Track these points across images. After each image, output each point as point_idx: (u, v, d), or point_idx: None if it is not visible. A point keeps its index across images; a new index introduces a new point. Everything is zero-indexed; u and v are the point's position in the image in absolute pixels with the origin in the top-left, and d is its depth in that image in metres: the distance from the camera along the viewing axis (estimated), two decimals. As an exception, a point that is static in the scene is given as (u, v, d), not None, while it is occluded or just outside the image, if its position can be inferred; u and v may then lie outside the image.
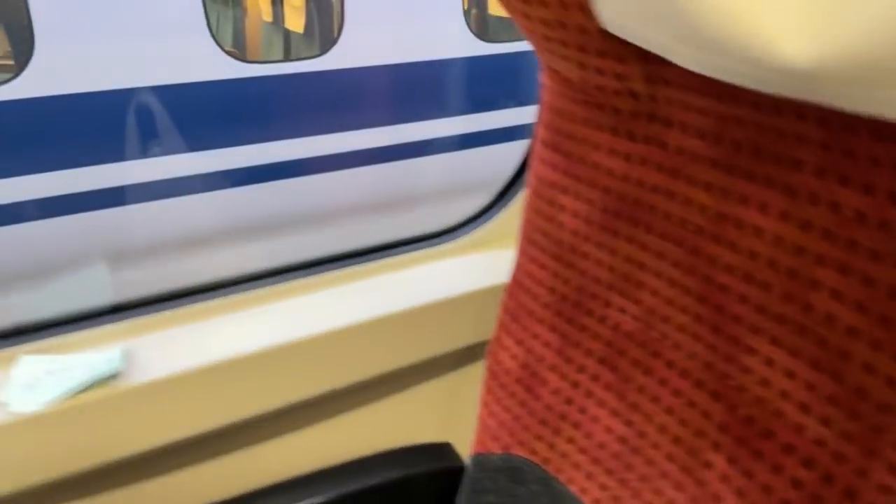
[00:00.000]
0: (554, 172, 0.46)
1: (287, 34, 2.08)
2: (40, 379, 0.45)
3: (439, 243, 0.64)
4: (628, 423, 0.43)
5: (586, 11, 0.35)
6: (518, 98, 2.15)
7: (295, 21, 2.02)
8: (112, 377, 0.46)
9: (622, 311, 0.44)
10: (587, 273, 0.45)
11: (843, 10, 0.22)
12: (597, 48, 0.37)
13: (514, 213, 0.66)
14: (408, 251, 0.62)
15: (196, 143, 1.66)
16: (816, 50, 0.23)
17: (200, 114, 1.67)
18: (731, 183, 0.35)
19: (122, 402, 0.46)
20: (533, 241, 0.49)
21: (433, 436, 0.63)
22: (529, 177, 0.49)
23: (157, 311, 0.53)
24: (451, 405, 0.65)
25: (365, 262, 0.61)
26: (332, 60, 1.78)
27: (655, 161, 0.39)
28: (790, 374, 0.34)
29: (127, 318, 0.53)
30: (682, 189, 0.37)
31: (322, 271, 0.59)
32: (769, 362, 0.35)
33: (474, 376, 0.63)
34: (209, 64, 1.62)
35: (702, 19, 0.27)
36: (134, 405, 0.47)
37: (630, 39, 0.33)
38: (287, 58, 2.07)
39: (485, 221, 0.65)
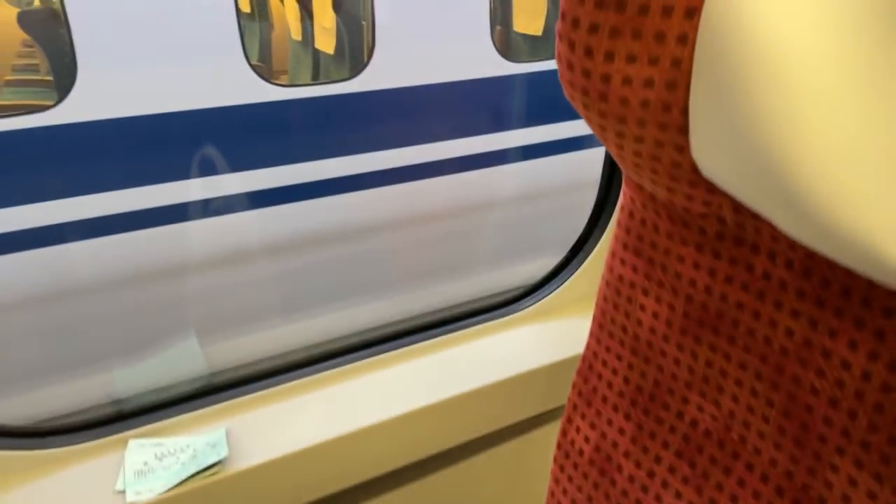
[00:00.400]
0: (634, 274, 0.48)
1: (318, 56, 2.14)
2: (151, 465, 0.49)
3: (507, 314, 0.67)
4: (706, 518, 0.46)
5: (683, 151, 0.37)
6: (542, 116, 2.18)
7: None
8: (220, 461, 0.49)
9: (700, 409, 0.46)
10: (665, 369, 0.48)
11: None
12: (688, 180, 0.39)
13: (575, 285, 0.68)
14: (477, 322, 0.65)
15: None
16: None
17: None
18: (820, 315, 0.37)
19: (227, 486, 0.49)
20: (608, 331, 0.52)
21: (502, 501, 0.66)
22: (607, 270, 0.52)
23: (252, 390, 0.57)
24: (519, 471, 0.68)
25: (439, 334, 0.63)
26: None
27: (741, 280, 0.41)
28: (872, 496, 0.36)
29: (224, 399, 0.56)
30: (769, 311, 0.40)
31: (400, 346, 0.62)
32: (852, 482, 0.37)
33: (540, 443, 0.66)
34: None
35: (807, 205, 0.29)
36: (238, 488, 0.50)
37: (725, 189, 0.35)
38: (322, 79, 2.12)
39: (547, 293, 0.68)
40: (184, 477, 0.48)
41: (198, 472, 0.49)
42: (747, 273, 0.40)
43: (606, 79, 0.37)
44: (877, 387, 0.34)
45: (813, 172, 0.29)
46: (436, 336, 0.64)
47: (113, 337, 1.54)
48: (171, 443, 0.52)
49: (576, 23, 0.36)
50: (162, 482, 0.48)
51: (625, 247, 0.49)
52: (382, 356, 0.62)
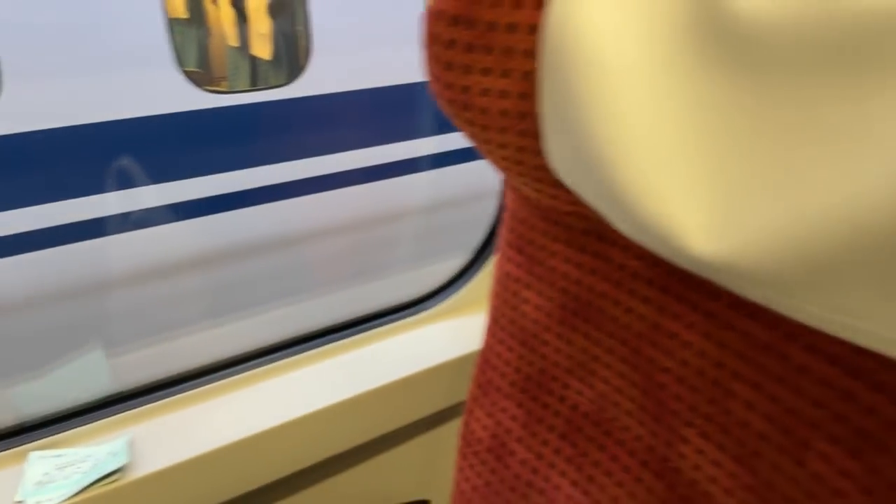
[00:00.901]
0: (518, 269, 0.52)
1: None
2: (51, 475, 0.49)
3: (413, 313, 0.69)
4: (585, 493, 0.49)
5: (542, 156, 0.40)
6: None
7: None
8: (119, 469, 0.50)
9: (579, 393, 0.49)
10: (548, 357, 0.51)
11: (747, 214, 0.28)
12: (551, 181, 0.42)
13: (478, 284, 0.71)
14: (385, 322, 0.67)
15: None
16: (722, 248, 0.28)
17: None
18: (666, 301, 0.41)
19: (128, 492, 0.50)
20: (500, 325, 0.55)
21: (413, 494, 0.68)
22: (496, 267, 0.55)
23: (156, 399, 0.57)
24: (429, 463, 0.70)
25: (345, 336, 0.65)
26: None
27: (602, 272, 0.45)
28: (717, 464, 0.40)
29: (127, 408, 0.57)
30: (625, 299, 0.43)
31: (306, 349, 0.64)
32: (700, 451, 0.41)
33: (449, 435, 0.68)
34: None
35: (623, 201, 0.32)
36: (139, 494, 0.51)
37: (572, 189, 0.39)
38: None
39: (453, 292, 0.70)
40: (84, 485, 0.48)
41: (98, 480, 0.49)
42: (607, 265, 0.44)
43: (466, 90, 0.39)
44: (711, 363, 0.38)
45: (625, 173, 0.32)
46: (345, 337, 0.66)
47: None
48: (72, 453, 0.52)
49: (435, 38, 0.39)
50: (62, 491, 0.48)
51: (508, 244, 0.52)
52: (291, 359, 0.64)
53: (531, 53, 0.37)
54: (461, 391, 0.59)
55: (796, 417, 0.34)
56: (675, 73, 0.32)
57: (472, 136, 0.43)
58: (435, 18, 0.39)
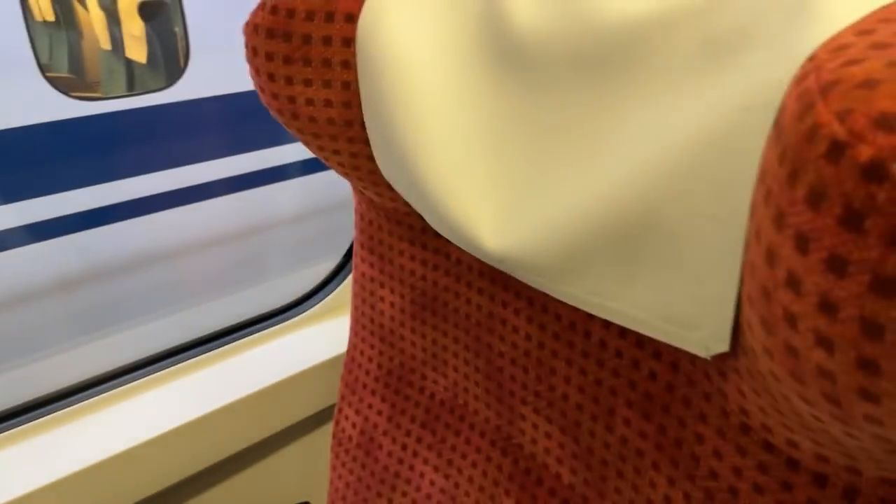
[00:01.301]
0: (371, 269, 0.53)
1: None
2: None
3: (284, 319, 0.70)
4: (447, 477, 0.52)
5: (374, 160, 0.42)
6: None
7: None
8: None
9: (435, 382, 0.52)
10: (406, 351, 0.53)
11: (524, 211, 0.31)
12: (386, 184, 0.44)
13: (348, 287, 0.72)
14: (256, 330, 0.67)
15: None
16: (506, 244, 0.31)
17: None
18: (495, 290, 0.43)
19: None
20: (361, 324, 0.56)
21: (295, 497, 0.68)
22: (353, 269, 0.56)
23: (10, 427, 0.54)
24: (309, 465, 0.71)
25: (217, 346, 0.64)
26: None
27: (443, 267, 0.47)
28: (548, 436, 0.43)
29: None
30: (464, 291, 0.46)
31: (178, 361, 0.62)
32: (535, 426, 0.44)
33: (327, 436, 0.69)
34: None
35: (430, 201, 0.35)
36: None
37: (396, 189, 0.41)
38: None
39: (324, 296, 0.71)
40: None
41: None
42: (446, 260, 0.46)
43: (292, 100, 0.40)
44: (535, 345, 0.41)
45: (430, 176, 0.34)
46: (217, 347, 0.65)
47: None
48: None
49: (255, 51, 0.40)
50: None
51: (362, 246, 0.53)
52: (162, 373, 0.62)
53: (348, 64, 0.38)
54: (335, 393, 0.60)
55: (602, 387, 0.37)
56: (468, 83, 0.34)
57: (307, 143, 0.44)
58: (252, 31, 0.39)
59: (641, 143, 0.25)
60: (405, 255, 0.49)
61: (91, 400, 0.58)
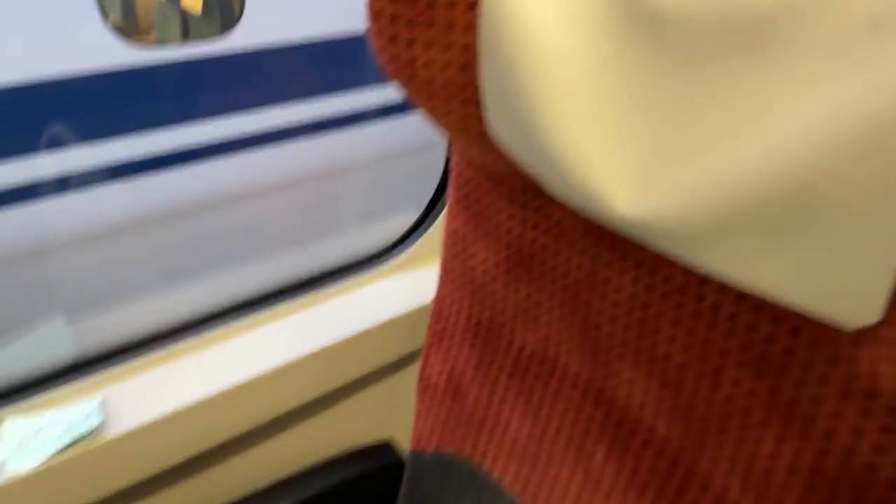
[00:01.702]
0: (465, 226, 0.55)
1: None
2: (28, 439, 0.50)
3: (370, 268, 0.72)
4: (534, 424, 0.54)
5: (484, 123, 0.43)
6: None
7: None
8: (93, 431, 0.52)
9: (525, 336, 0.54)
10: (496, 306, 0.55)
11: (661, 179, 0.32)
12: (493, 146, 0.45)
13: (430, 239, 0.74)
14: (347, 277, 0.70)
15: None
16: (640, 210, 0.32)
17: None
18: (599, 251, 0.44)
19: (103, 453, 0.52)
20: (451, 278, 0.58)
21: (377, 434, 0.72)
22: (445, 225, 0.58)
23: (125, 360, 0.59)
24: (390, 406, 0.74)
25: (307, 293, 0.68)
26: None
27: (543, 226, 0.48)
28: (645, 391, 0.44)
29: (100, 371, 0.58)
30: (564, 250, 0.47)
31: (270, 306, 0.66)
32: (631, 381, 0.45)
33: (408, 380, 0.72)
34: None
35: (554, 165, 0.35)
36: (114, 454, 0.53)
37: (510, 153, 0.42)
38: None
39: (407, 247, 0.73)
40: (58, 448, 0.50)
41: (73, 443, 0.51)
42: (547, 219, 0.47)
43: (411, 62, 0.41)
44: (640, 304, 0.42)
45: (557, 142, 0.35)
46: (307, 294, 0.68)
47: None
48: (46, 417, 0.53)
49: (378, 14, 0.40)
50: (37, 455, 0.50)
51: (456, 203, 0.55)
52: (256, 316, 0.66)
53: (471, 27, 0.39)
54: (417, 339, 0.63)
55: (710, 348, 0.38)
56: (602, 50, 0.34)
57: (419, 104, 0.45)
58: None
59: (801, 118, 0.26)
60: (503, 213, 0.50)
61: (198, 338, 0.62)
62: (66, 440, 0.50)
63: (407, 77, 0.42)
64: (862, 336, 0.28)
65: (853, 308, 0.26)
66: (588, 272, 0.45)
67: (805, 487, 0.34)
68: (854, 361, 0.29)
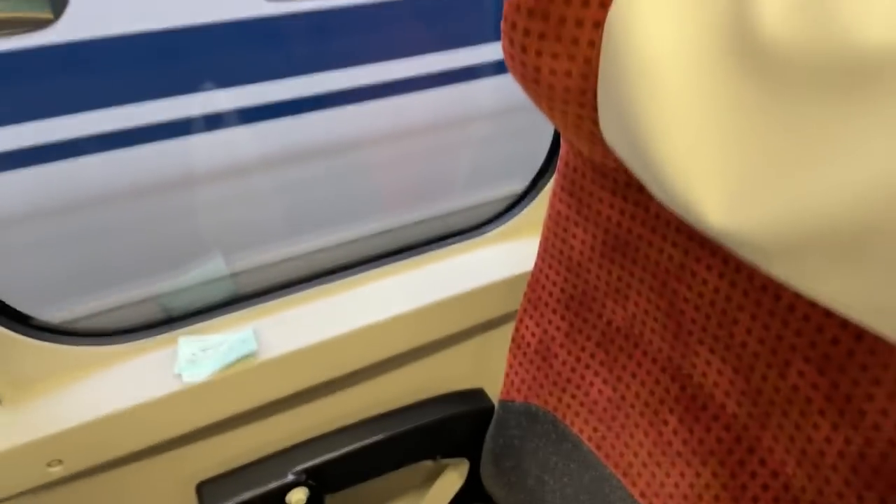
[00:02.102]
0: (568, 209, 0.61)
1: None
2: (198, 356, 0.63)
3: (476, 235, 0.80)
4: (615, 389, 0.61)
5: (596, 124, 0.48)
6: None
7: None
8: (249, 353, 0.64)
9: (613, 311, 0.60)
10: (590, 282, 0.61)
11: (752, 198, 0.37)
12: (602, 143, 0.50)
13: (531, 212, 0.81)
14: (452, 243, 0.78)
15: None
16: (730, 222, 0.37)
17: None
18: (691, 246, 0.50)
19: (256, 371, 0.64)
20: (549, 253, 0.65)
21: (470, 383, 0.81)
22: (549, 205, 0.64)
23: (272, 298, 0.71)
24: (483, 359, 0.83)
25: (421, 253, 0.77)
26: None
27: (640, 218, 0.53)
28: (720, 373, 0.50)
29: (251, 305, 0.70)
30: (658, 241, 0.52)
31: (389, 262, 0.75)
32: (708, 363, 0.51)
33: (501, 337, 0.80)
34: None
35: (656, 172, 0.41)
36: (264, 373, 0.65)
37: (617, 155, 0.47)
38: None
39: (509, 218, 0.80)
40: (224, 364, 0.62)
41: (235, 361, 0.63)
42: (644, 213, 0.53)
43: (537, 69, 0.47)
44: (723, 297, 0.48)
45: (661, 152, 0.40)
46: (418, 254, 0.77)
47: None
48: (211, 339, 0.65)
49: (514, 26, 0.46)
50: (207, 368, 0.62)
51: (562, 188, 0.61)
52: (374, 271, 0.76)
53: (593, 43, 0.44)
54: (513, 303, 0.70)
55: (782, 342, 0.44)
56: (710, 74, 0.39)
57: (538, 103, 0.51)
58: (514, 9, 0.46)
59: (882, 158, 0.30)
60: (604, 202, 0.56)
61: (330, 285, 0.73)
62: (229, 359, 0.62)
63: (532, 81, 0.48)
64: None
65: None
66: (678, 263, 0.51)
67: (850, 470, 0.39)
68: None
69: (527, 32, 0.46)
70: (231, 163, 1.76)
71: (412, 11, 1.92)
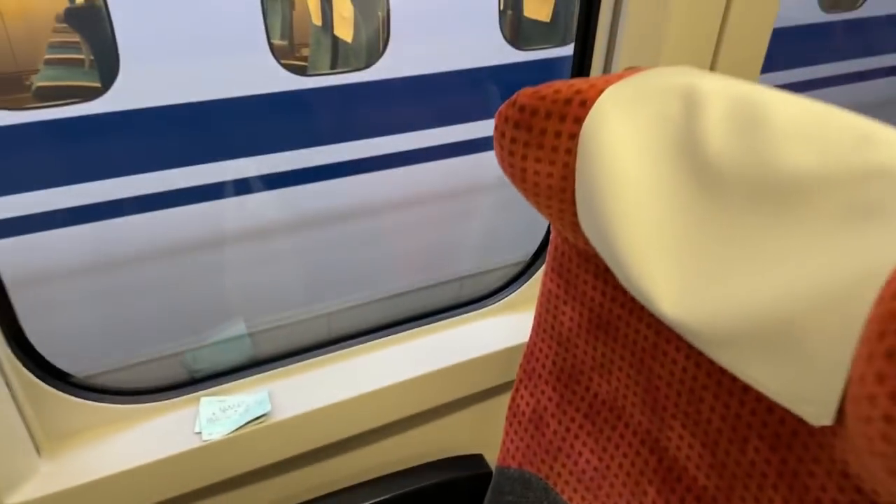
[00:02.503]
0: (557, 288, 0.66)
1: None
2: (217, 415, 0.68)
3: (478, 308, 0.86)
4: (600, 459, 0.65)
5: (576, 217, 0.55)
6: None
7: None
8: (264, 414, 0.69)
9: (599, 385, 0.64)
10: (577, 356, 0.66)
11: (699, 292, 0.42)
12: (583, 234, 0.57)
13: (528, 289, 0.86)
14: (456, 315, 0.84)
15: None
16: (679, 312, 0.43)
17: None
18: (661, 327, 0.55)
19: (271, 431, 0.69)
20: (542, 328, 0.70)
21: (470, 448, 0.85)
22: (542, 284, 0.70)
23: (286, 364, 0.77)
24: (483, 425, 0.87)
25: (426, 324, 0.83)
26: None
27: (619, 300, 0.59)
28: (690, 447, 0.54)
29: (267, 370, 0.76)
30: (634, 322, 0.58)
31: (397, 332, 0.81)
32: (681, 437, 0.55)
33: (500, 405, 0.85)
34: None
35: (620, 265, 0.47)
36: (278, 432, 0.70)
37: (592, 244, 0.53)
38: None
39: (510, 292, 0.86)
40: (241, 424, 0.68)
41: (250, 421, 0.68)
42: (623, 295, 0.58)
43: (524, 171, 0.54)
44: (690, 376, 0.52)
45: (623, 248, 0.46)
46: (423, 325, 0.83)
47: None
48: (230, 400, 0.71)
49: (503, 134, 0.54)
50: (225, 427, 0.67)
51: (552, 269, 0.67)
52: (382, 339, 0.82)
53: (570, 151, 0.51)
54: (510, 373, 0.75)
55: (740, 420, 0.48)
56: (664, 185, 0.46)
57: (526, 197, 0.58)
58: (503, 121, 0.53)
59: (798, 266, 0.36)
60: (588, 284, 0.62)
61: (340, 351, 0.79)
62: (246, 419, 0.68)
63: (520, 180, 0.55)
64: (835, 430, 0.37)
65: (816, 411, 0.35)
66: (652, 343, 0.56)
67: (798, 540, 0.43)
68: (833, 448, 0.39)
69: (514, 140, 0.53)
70: (253, 226, 1.86)
71: (444, 86, 2.07)
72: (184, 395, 0.73)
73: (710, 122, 0.43)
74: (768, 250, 0.38)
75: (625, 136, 0.47)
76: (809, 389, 0.35)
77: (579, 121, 0.50)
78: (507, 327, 0.84)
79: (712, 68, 0.69)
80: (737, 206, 0.41)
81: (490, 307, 0.86)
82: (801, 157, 0.37)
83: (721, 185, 0.42)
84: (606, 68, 0.71)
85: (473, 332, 0.84)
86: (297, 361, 0.78)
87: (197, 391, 0.73)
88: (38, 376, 0.65)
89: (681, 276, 0.43)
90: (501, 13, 2.17)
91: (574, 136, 0.50)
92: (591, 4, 0.68)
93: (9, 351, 0.63)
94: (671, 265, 0.44)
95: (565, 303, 0.66)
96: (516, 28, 2.48)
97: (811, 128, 0.38)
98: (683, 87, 0.46)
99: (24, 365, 0.64)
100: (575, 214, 0.55)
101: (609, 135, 0.48)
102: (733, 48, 0.67)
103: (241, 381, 0.75)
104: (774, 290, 0.36)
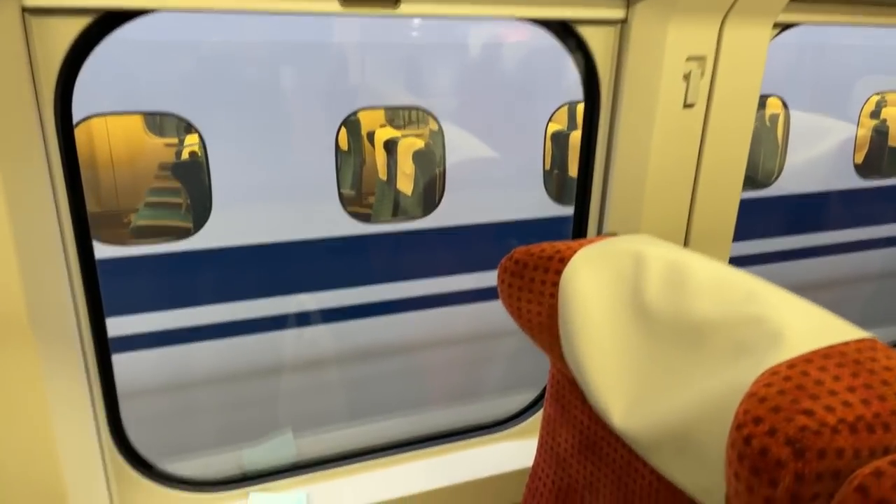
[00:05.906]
0: (555, 413, 0.77)
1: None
2: (264, 508, 0.79)
3: (491, 433, 0.96)
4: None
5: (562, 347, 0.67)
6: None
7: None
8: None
9: (591, 501, 0.72)
10: (572, 476, 0.75)
11: (640, 408, 0.54)
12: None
13: (536, 417, 0.96)
14: (472, 437, 0.95)
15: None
16: (627, 425, 0.54)
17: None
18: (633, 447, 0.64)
19: None
20: (545, 450, 0.79)
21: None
22: (544, 409, 0.80)
23: (322, 469, 0.88)
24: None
25: (442, 443, 0.93)
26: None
27: (602, 423, 0.69)
28: None
29: (305, 472, 0.88)
30: (614, 442, 0.67)
31: (420, 448, 0.92)
32: None
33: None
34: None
35: (587, 386, 0.58)
36: None
37: (573, 374, 0.65)
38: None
39: (524, 419, 0.96)
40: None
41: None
42: (604, 417, 0.69)
43: (519, 310, 0.68)
44: (653, 490, 0.61)
45: (588, 372, 0.58)
46: (442, 444, 0.94)
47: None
48: (274, 497, 0.82)
49: (503, 281, 0.69)
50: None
51: (551, 395, 0.78)
52: (408, 453, 0.92)
53: (553, 296, 0.65)
54: (518, 493, 0.84)
55: None
56: (617, 322, 0.59)
57: (524, 332, 0.71)
58: (503, 271, 0.68)
59: (699, 387, 0.47)
60: (578, 408, 0.73)
61: (362, 463, 0.90)
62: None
63: (517, 317, 0.69)
64: None
65: (715, 501, 0.45)
66: (627, 461, 0.65)
67: None
68: None
69: (511, 286, 0.68)
70: (308, 355, 2.02)
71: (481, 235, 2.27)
72: (236, 488, 0.85)
73: (650, 280, 0.57)
74: (684, 375, 0.50)
75: (591, 287, 0.61)
76: (708, 482, 0.45)
77: (559, 273, 0.64)
78: (519, 450, 0.93)
79: (687, 231, 0.83)
80: (666, 343, 0.53)
81: (505, 431, 0.96)
82: (706, 307, 0.50)
83: (655, 326, 0.55)
84: (599, 229, 0.87)
85: (489, 453, 0.93)
86: (333, 467, 0.88)
87: (246, 486, 0.85)
88: (127, 461, 0.79)
89: (627, 395, 0.55)
90: (547, 173, 2.39)
91: (556, 284, 0.65)
92: (586, 181, 0.85)
93: (110, 440, 0.78)
94: (621, 386, 0.56)
95: (562, 425, 0.76)
96: (561, 186, 2.72)
97: (715, 285, 0.51)
98: (634, 253, 0.60)
99: (119, 451, 0.78)
100: (560, 346, 0.67)
101: (580, 284, 0.62)
102: (703, 217, 0.82)
103: (285, 480, 0.86)
104: (685, 405, 0.48)
